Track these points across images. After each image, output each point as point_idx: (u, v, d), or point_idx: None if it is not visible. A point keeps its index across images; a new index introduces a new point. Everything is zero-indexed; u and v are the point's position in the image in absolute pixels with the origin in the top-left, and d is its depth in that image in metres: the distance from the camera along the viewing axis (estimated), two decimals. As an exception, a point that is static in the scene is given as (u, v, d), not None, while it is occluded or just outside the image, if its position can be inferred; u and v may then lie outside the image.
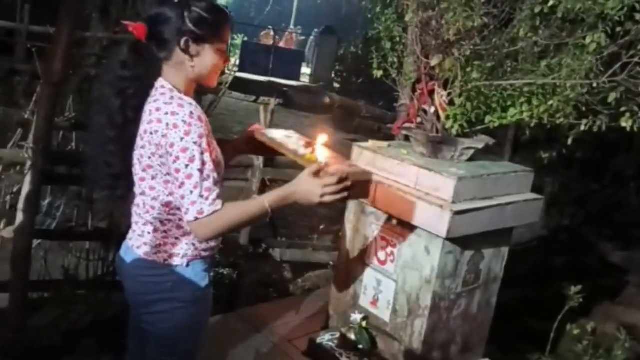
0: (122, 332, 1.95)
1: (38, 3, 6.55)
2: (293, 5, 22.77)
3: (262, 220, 1.53)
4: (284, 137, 1.73)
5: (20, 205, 2.45)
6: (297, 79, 15.19)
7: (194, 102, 1.52)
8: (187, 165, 1.44)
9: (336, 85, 13.70)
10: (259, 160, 3.63)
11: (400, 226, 2.10)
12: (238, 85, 9.61)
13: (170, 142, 1.44)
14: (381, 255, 2.19)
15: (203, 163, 1.45)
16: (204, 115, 1.51)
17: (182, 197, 1.45)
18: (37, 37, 5.85)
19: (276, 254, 3.91)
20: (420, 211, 1.97)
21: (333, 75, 14.11)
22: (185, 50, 1.52)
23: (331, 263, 3.81)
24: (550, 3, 1.98)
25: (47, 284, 2.95)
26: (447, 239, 1.94)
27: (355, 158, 2.27)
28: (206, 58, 1.57)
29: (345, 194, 1.51)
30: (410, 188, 2.05)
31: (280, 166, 3.74)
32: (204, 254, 1.63)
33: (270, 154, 1.86)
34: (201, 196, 1.44)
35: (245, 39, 17.75)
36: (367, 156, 2.25)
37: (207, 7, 1.55)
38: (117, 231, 2.88)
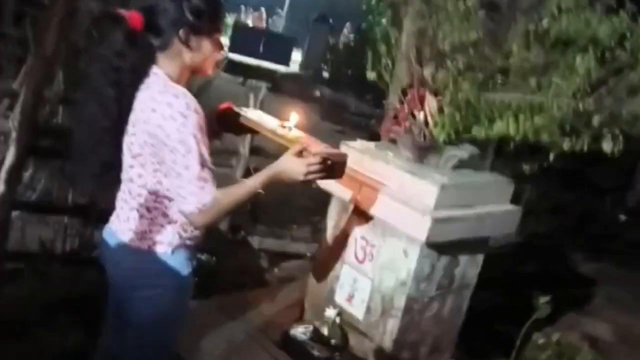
0: (95, 309, 1.96)
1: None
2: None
3: (252, 200, 1.61)
4: (259, 117, 1.78)
5: (2, 175, 2.44)
6: (286, 64, 15.11)
7: (187, 93, 1.53)
8: (184, 156, 1.46)
9: (325, 74, 13.66)
10: (244, 148, 3.64)
11: (381, 227, 2.14)
12: (227, 65, 9.55)
13: (167, 133, 1.46)
14: (360, 254, 2.23)
15: (201, 154, 1.47)
16: (199, 107, 1.53)
17: (180, 187, 1.47)
18: (28, 2, 5.75)
19: (254, 241, 3.93)
20: (402, 215, 2.01)
21: (323, 64, 14.05)
22: (185, 42, 1.53)
23: (308, 254, 3.85)
24: (544, 23, 2.02)
25: (23, 256, 2.94)
26: (426, 243, 1.99)
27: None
28: (204, 49, 1.58)
29: (325, 173, 1.62)
30: (394, 191, 2.09)
31: (265, 155, 3.75)
32: (188, 242, 1.65)
33: (242, 132, 1.90)
34: (200, 187, 1.47)
35: (239, 18, 17.57)
36: (354, 155, 2.27)
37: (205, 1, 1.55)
38: (96, 208, 2.88)
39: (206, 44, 1.58)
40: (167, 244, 1.61)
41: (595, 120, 1.98)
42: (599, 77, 1.99)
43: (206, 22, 1.56)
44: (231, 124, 1.81)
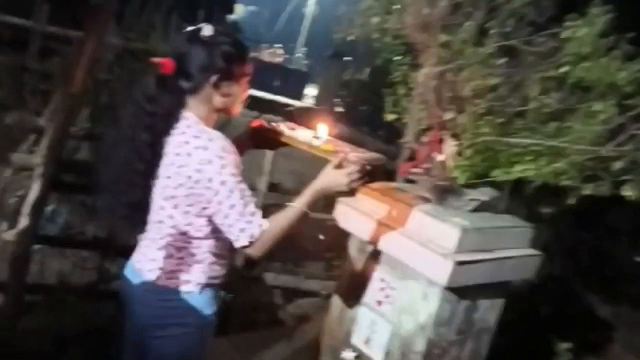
0: (110, 343, 1.97)
1: (57, 3, 6.61)
2: (303, 26, 23.02)
3: (302, 223, 1.65)
4: (292, 131, 1.83)
5: (25, 209, 2.48)
6: (300, 99, 15.30)
7: (221, 135, 1.58)
8: (228, 197, 1.51)
9: (338, 109, 13.79)
10: (262, 185, 3.67)
11: (400, 269, 2.13)
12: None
13: (208, 177, 1.50)
14: (379, 296, 2.22)
15: (242, 191, 1.52)
16: (232, 145, 1.57)
17: (230, 226, 1.52)
18: (52, 38, 5.92)
19: (269, 278, 3.92)
20: (422, 257, 2.01)
21: (336, 100, 14.20)
22: (216, 87, 1.57)
23: (323, 292, 3.83)
24: (563, 69, 2.05)
25: (42, 288, 2.97)
26: (446, 287, 1.98)
27: (362, 196, 2.31)
28: (234, 92, 1.63)
29: (366, 178, 1.69)
30: (414, 233, 2.09)
31: (283, 191, 3.78)
32: (214, 281, 1.67)
33: (275, 147, 1.94)
34: (249, 222, 1.53)
35: (253, 54, 17.88)
36: (373, 195, 2.29)
37: (232, 42, 1.61)
38: (115, 242, 2.92)
39: (236, 88, 1.63)
40: (194, 284, 1.63)
41: (616, 166, 1.98)
42: (619, 123, 2.00)
43: (236, 67, 1.61)
44: (263, 140, 1.86)
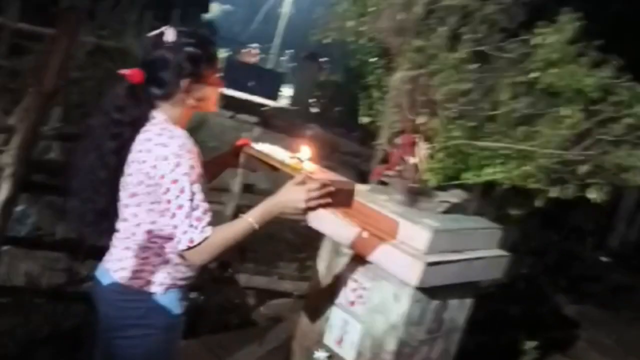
0: (79, 345, 1.95)
1: (28, 1, 6.48)
2: (279, 25, 22.97)
3: (250, 237, 1.57)
4: (271, 150, 1.80)
5: (-6, 210, 2.44)
6: (275, 99, 15.27)
7: (184, 133, 1.57)
8: (177, 197, 1.49)
9: (313, 109, 13.83)
10: (235, 186, 3.66)
11: (372, 270, 2.16)
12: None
13: (161, 173, 1.49)
14: (350, 296, 2.24)
15: (193, 193, 1.50)
16: (195, 147, 1.57)
17: (175, 227, 1.50)
18: (23, 35, 5.79)
19: (241, 279, 3.92)
20: (394, 258, 2.03)
21: (312, 100, 14.24)
22: (188, 91, 1.58)
23: (295, 293, 3.84)
24: (533, 75, 2.10)
25: (9, 290, 2.91)
26: (417, 288, 2.01)
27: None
28: (207, 93, 1.63)
29: (329, 199, 1.57)
30: (386, 235, 2.12)
31: (257, 192, 3.78)
32: (180, 282, 1.66)
33: (257, 167, 1.91)
34: (191, 225, 1.49)
35: (230, 53, 17.78)
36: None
37: (198, 41, 1.60)
38: (84, 244, 2.87)
39: (208, 89, 1.63)
40: (158, 284, 1.62)
41: (582, 169, 2.04)
42: (585, 128, 2.06)
43: (205, 68, 1.61)
44: (244, 158, 1.85)
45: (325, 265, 2.38)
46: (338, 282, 2.30)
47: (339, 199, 1.60)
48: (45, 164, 2.95)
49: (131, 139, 1.55)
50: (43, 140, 2.88)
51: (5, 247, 2.79)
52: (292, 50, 19.01)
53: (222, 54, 17.10)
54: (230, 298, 3.68)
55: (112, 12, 7.31)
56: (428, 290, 2.08)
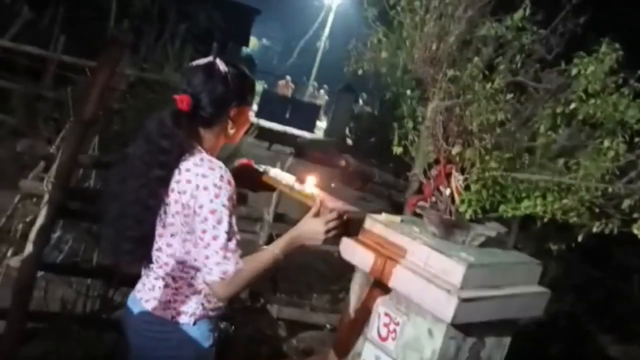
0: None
1: (73, 35, 6.78)
2: (315, 59, 23.35)
3: (275, 269, 1.62)
4: (278, 174, 1.81)
5: (32, 236, 2.48)
6: (311, 130, 15.41)
7: (223, 165, 1.57)
8: (214, 227, 1.49)
9: (349, 141, 13.88)
10: (269, 215, 3.66)
11: (405, 304, 2.10)
12: (255, 131, 9.78)
13: (200, 203, 1.49)
14: (383, 331, 2.18)
15: (230, 225, 1.50)
16: (232, 179, 1.57)
17: (207, 257, 1.49)
18: (67, 67, 6.03)
19: (273, 310, 3.88)
20: (427, 293, 1.97)
21: (347, 132, 14.31)
22: (234, 119, 1.59)
23: (327, 326, 3.78)
24: (572, 105, 2.05)
25: (44, 316, 2.95)
26: (452, 324, 1.94)
27: (368, 228, 2.30)
28: (240, 121, 1.64)
29: (342, 230, 1.67)
30: (420, 268, 2.06)
31: (289, 222, 3.77)
32: (211, 313, 1.65)
33: (260, 188, 1.92)
34: (225, 257, 1.49)
35: (266, 86, 18.13)
36: (379, 228, 2.27)
37: (240, 72, 1.63)
38: (119, 271, 2.89)
39: (245, 116, 1.65)
40: (190, 315, 1.61)
41: (625, 203, 1.96)
42: (628, 161, 1.99)
43: (248, 96, 1.63)
44: (249, 181, 1.85)
45: (356, 298, 2.32)
46: (370, 316, 2.24)
47: (354, 227, 1.71)
48: (83, 192, 3.01)
49: (176, 167, 1.56)
50: (82, 168, 2.95)
51: (41, 273, 2.84)
52: (327, 84, 19.21)
53: (260, 86, 17.48)
54: (261, 329, 3.64)
55: (155, 46, 7.56)
56: (463, 327, 2.00)
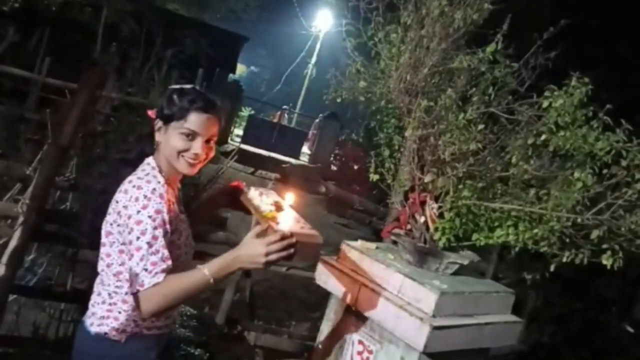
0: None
1: (61, 58, 6.79)
2: (303, 85, 23.56)
3: (204, 291, 1.50)
4: (257, 195, 1.78)
5: (4, 259, 2.45)
6: (297, 157, 15.45)
7: (162, 180, 1.58)
8: (138, 238, 1.48)
9: (334, 167, 13.94)
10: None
11: (378, 332, 2.10)
12: (239, 155, 9.80)
13: (129, 213, 1.50)
14: (356, 359, 2.17)
15: (154, 237, 1.48)
16: (168, 194, 1.57)
17: (130, 268, 1.48)
18: (51, 90, 6.04)
19: (250, 337, 3.84)
20: (400, 321, 1.97)
21: (332, 159, 14.38)
22: (158, 129, 1.63)
23: (305, 354, 3.74)
24: (543, 137, 2.09)
25: (15, 340, 2.89)
26: (424, 352, 1.94)
27: (343, 255, 2.31)
28: (170, 138, 1.62)
29: (291, 251, 1.48)
30: (393, 295, 2.07)
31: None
32: (146, 332, 1.61)
33: (245, 210, 1.87)
34: (145, 269, 1.46)
35: (252, 112, 18.22)
36: (354, 255, 2.28)
37: (181, 90, 1.64)
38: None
39: (172, 134, 1.61)
40: (121, 331, 1.58)
41: (594, 234, 1.99)
42: (597, 192, 2.02)
43: (171, 110, 1.61)
44: (237, 202, 1.86)
45: (330, 325, 2.32)
46: (343, 344, 2.23)
47: (304, 252, 1.51)
48: (59, 214, 2.98)
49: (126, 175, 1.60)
50: (58, 190, 2.94)
51: (13, 296, 2.79)
52: (313, 111, 19.37)
53: (246, 112, 17.56)
54: (238, 356, 3.60)
55: (141, 70, 7.59)
56: (436, 356, 2.00)
